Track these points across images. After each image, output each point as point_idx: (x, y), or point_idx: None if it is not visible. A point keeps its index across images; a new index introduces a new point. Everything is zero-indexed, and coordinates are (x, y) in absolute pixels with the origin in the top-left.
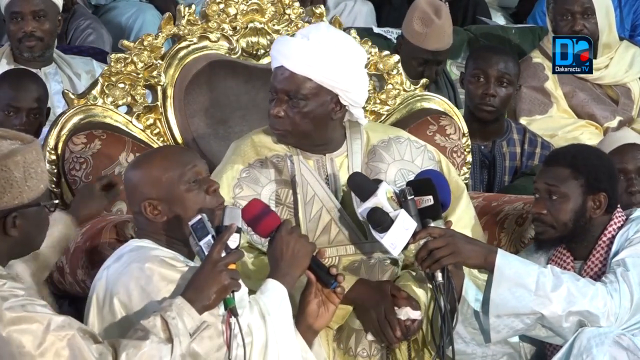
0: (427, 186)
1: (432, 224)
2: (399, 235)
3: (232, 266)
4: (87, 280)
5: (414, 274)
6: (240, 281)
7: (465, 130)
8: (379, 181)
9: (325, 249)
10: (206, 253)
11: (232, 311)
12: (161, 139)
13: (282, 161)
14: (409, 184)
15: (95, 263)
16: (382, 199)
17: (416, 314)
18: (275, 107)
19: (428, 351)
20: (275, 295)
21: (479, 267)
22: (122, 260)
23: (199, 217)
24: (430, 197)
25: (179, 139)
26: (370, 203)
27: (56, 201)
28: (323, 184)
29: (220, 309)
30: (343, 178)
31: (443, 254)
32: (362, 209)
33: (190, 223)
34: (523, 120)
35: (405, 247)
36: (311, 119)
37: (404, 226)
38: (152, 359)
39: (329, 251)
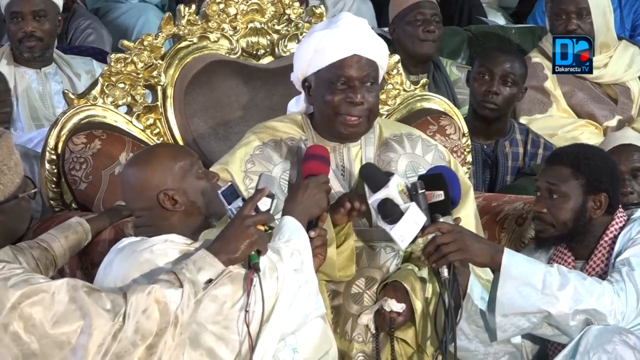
0: (438, 181)
1: (441, 220)
2: (408, 228)
3: (260, 227)
4: (86, 281)
5: (416, 269)
6: None
7: (465, 130)
8: (391, 173)
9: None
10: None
11: (254, 267)
12: (161, 139)
13: (296, 144)
14: (420, 177)
15: (95, 264)
16: (393, 190)
17: (398, 307)
18: (357, 94)
19: (426, 354)
20: (292, 227)
21: (485, 266)
22: (124, 251)
23: (229, 183)
24: (442, 192)
25: (179, 139)
26: (382, 194)
27: (34, 190)
28: (335, 169)
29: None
30: (356, 167)
31: (450, 250)
32: (372, 199)
33: (220, 190)
34: (523, 120)
35: (413, 241)
36: (378, 102)
37: (413, 219)
38: (162, 298)
39: None
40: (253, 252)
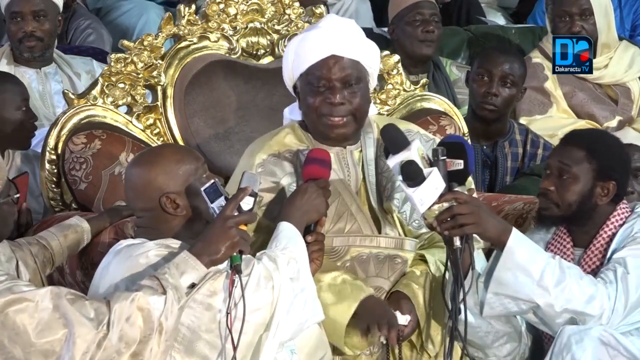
0: (459, 150)
1: (457, 189)
2: (428, 193)
3: (244, 227)
4: (86, 281)
5: (418, 273)
6: None
7: (466, 130)
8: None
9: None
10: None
11: (236, 269)
12: (161, 139)
13: (295, 156)
14: (441, 144)
15: (95, 264)
16: (414, 154)
17: (403, 320)
18: (336, 95)
19: (427, 354)
20: (289, 234)
21: (492, 242)
22: (121, 254)
23: (212, 181)
24: (461, 161)
25: (179, 139)
26: (403, 156)
27: (17, 195)
28: (341, 175)
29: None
30: (359, 173)
31: (466, 222)
32: (394, 161)
33: (202, 188)
34: (523, 120)
35: (429, 207)
36: (365, 102)
37: (434, 185)
38: (145, 305)
39: (340, 240)
40: (235, 254)
